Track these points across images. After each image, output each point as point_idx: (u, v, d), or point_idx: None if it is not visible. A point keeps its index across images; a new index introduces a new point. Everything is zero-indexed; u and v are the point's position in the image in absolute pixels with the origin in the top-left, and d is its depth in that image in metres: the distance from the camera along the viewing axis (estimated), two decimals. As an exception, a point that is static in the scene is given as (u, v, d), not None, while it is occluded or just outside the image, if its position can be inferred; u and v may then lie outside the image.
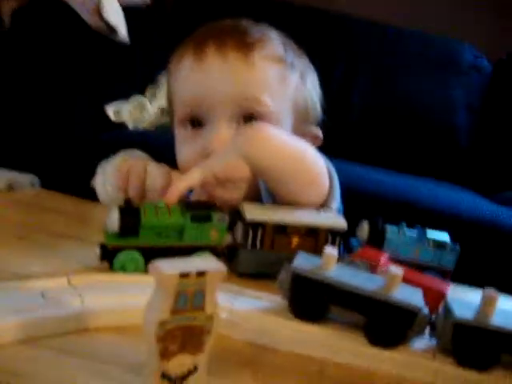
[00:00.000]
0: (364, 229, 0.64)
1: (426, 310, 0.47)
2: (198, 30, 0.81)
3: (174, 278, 0.34)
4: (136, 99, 1.59)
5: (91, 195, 0.81)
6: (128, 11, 1.72)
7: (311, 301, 0.47)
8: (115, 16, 1.60)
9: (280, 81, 0.78)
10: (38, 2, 1.49)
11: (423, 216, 1.29)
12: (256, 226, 0.59)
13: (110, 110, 1.54)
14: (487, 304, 0.46)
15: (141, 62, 1.78)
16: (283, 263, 0.51)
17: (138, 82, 1.78)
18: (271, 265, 0.58)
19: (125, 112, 1.54)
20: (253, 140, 0.66)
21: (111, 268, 0.54)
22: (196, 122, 0.76)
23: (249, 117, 0.75)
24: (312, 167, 0.69)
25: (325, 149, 0.88)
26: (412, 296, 0.47)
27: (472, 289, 0.71)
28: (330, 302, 0.47)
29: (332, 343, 0.46)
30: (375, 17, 2.10)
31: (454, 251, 0.66)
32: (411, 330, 0.46)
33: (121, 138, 1.39)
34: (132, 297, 0.48)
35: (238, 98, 0.74)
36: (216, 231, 0.57)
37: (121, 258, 0.54)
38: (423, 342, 0.48)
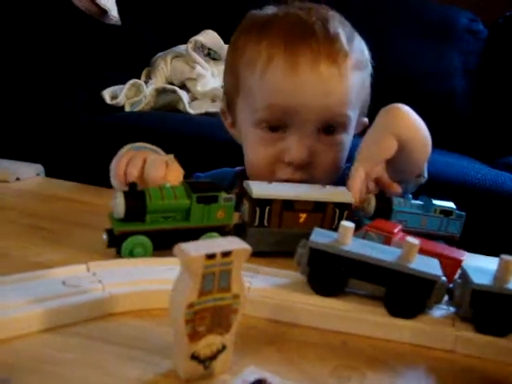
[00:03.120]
0: (371, 202, 0.64)
1: (444, 279, 0.47)
2: (276, 19, 0.77)
3: (201, 260, 0.34)
4: (132, 82, 1.58)
5: (93, 180, 0.81)
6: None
7: (330, 275, 0.47)
8: (106, -2, 1.58)
9: (361, 86, 0.79)
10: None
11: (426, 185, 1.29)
12: (263, 203, 0.59)
13: (107, 94, 1.52)
14: (504, 269, 0.47)
15: (134, 44, 1.77)
16: (291, 240, 0.52)
17: (133, 65, 1.77)
18: (280, 242, 0.59)
19: (121, 95, 1.53)
20: (400, 116, 0.69)
21: (119, 254, 0.54)
22: (277, 127, 0.76)
23: (328, 126, 0.76)
24: (429, 136, 0.73)
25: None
26: (429, 265, 0.48)
27: (478, 256, 0.72)
28: (349, 275, 0.48)
29: (353, 316, 0.47)
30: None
31: (460, 217, 0.67)
32: (430, 299, 0.47)
33: (116, 121, 1.38)
34: (151, 280, 0.49)
35: (327, 111, 0.74)
36: (223, 211, 0.57)
37: (129, 243, 0.54)
38: (442, 311, 0.49)
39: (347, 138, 0.80)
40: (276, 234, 0.60)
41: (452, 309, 0.49)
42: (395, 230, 0.56)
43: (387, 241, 0.55)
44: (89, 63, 1.51)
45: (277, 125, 0.76)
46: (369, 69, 0.82)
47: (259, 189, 0.60)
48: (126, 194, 0.55)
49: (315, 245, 0.48)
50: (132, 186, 0.56)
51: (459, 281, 0.48)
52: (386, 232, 0.55)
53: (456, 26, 1.99)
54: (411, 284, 0.46)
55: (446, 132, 1.92)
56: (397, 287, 0.47)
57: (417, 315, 0.47)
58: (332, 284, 0.48)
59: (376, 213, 0.65)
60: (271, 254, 0.59)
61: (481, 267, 0.49)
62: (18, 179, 0.80)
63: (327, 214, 0.61)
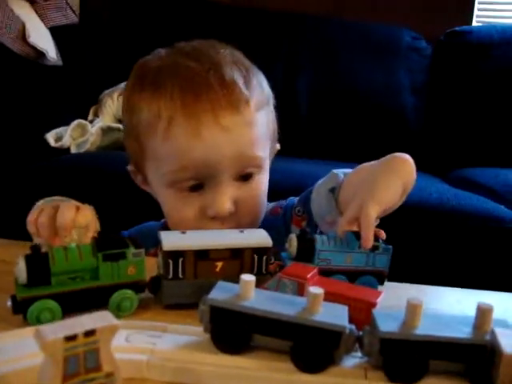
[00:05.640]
0: (293, 242, 0.62)
1: (351, 328, 0.45)
2: (167, 73, 0.73)
3: (59, 343, 0.32)
4: (76, 122, 1.55)
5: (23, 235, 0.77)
6: (57, 32, 1.68)
7: (232, 332, 0.45)
8: (42, 39, 1.55)
9: (267, 123, 0.78)
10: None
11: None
12: (175, 254, 0.56)
13: (50, 137, 1.49)
14: (411, 313, 0.45)
15: (79, 83, 1.74)
16: (209, 290, 0.50)
17: (80, 104, 1.74)
18: (196, 293, 0.56)
19: (65, 137, 1.50)
20: (408, 168, 0.70)
21: (26, 321, 0.51)
22: (192, 186, 0.73)
23: (244, 173, 0.74)
24: None
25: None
26: (336, 315, 0.46)
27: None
28: (253, 331, 0.45)
29: (258, 375, 0.44)
30: (312, 11, 2.11)
31: (387, 251, 0.65)
32: (338, 351, 0.45)
33: (55, 165, 1.35)
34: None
35: (239, 160, 0.73)
36: (133, 267, 0.54)
37: (34, 309, 0.51)
38: (355, 360, 0.47)
39: (265, 176, 0.79)
40: (192, 285, 0.58)
41: (365, 357, 0.47)
42: (309, 276, 0.54)
43: (301, 287, 0.53)
44: (29, 106, 1.48)
45: (192, 185, 0.73)
46: (271, 101, 0.80)
47: (170, 240, 0.57)
48: (28, 258, 0.52)
49: (214, 302, 0.46)
50: (34, 248, 0.54)
51: (368, 328, 0.46)
52: (298, 278, 0.53)
53: (400, 44, 2.02)
54: (317, 337, 0.45)
55: (398, 148, 1.93)
56: (302, 341, 0.45)
57: (325, 368, 0.45)
58: (235, 341, 0.46)
59: (299, 254, 0.63)
60: (190, 306, 0.57)
61: (391, 312, 0.47)
62: None
63: (245, 261, 0.59)
